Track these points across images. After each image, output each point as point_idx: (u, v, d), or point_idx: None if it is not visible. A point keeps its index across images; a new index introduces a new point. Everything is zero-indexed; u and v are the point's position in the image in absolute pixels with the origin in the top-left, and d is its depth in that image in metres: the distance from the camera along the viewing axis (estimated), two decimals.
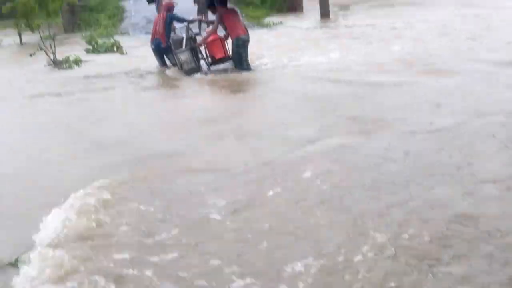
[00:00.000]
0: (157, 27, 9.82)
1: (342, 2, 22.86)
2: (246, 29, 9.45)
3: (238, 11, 9.85)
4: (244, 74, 8.95)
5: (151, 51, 10.17)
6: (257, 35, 13.75)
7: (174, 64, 9.81)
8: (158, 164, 4.80)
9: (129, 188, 4.23)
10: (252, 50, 9.68)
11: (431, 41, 10.46)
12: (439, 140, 4.78)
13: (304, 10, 21.44)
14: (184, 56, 9.32)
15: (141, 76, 9.54)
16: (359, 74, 8.07)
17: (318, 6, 18.07)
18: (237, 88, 8.26)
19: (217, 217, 3.61)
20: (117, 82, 8.97)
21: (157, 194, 4.06)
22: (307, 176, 4.17)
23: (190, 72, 9.28)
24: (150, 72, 9.93)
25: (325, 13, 17.59)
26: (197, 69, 9.41)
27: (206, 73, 9.37)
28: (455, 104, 5.92)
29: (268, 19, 17.82)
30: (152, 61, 10.88)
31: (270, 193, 3.95)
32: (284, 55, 10.46)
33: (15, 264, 3.19)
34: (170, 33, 9.85)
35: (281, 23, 16.97)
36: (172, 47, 9.67)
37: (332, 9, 17.87)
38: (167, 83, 9.05)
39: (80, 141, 5.63)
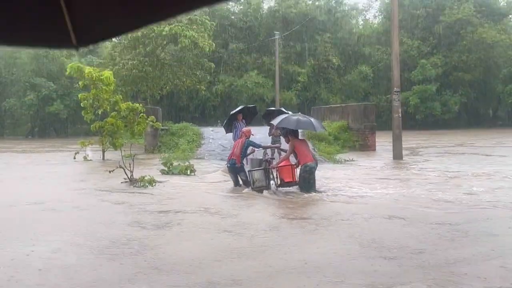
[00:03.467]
0: (235, 150, 10.93)
1: (411, 146, 23.07)
2: (315, 158, 10.53)
3: (308, 142, 10.85)
4: (307, 199, 9.55)
5: (227, 169, 11.36)
6: (327, 170, 13.98)
7: (245, 182, 10.70)
8: None
9: None
10: (321, 183, 10.30)
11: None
12: None
13: (376, 149, 21.71)
14: (257, 174, 10.40)
15: (207, 202, 9.65)
16: (442, 217, 7.80)
17: (390, 147, 18.28)
18: (301, 215, 8.20)
19: None
20: (184, 205, 9.11)
21: None
22: None
23: (260, 189, 10.26)
24: (218, 198, 10.16)
25: (398, 155, 17.67)
26: (267, 187, 10.37)
27: (274, 192, 10.27)
28: None
29: (340, 156, 18.05)
30: (221, 187, 11.27)
31: None
32: (350, 189, 10.83)
33: None
34: (245, 156, 10.95)
35: (352, 160, 17.11)
36: (249, 165, 10.91)
37: (403, 152, 18.11)
38: (237, 209, 9.05)
39: (139, 263, 5.59)
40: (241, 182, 10.89)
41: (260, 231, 7.04)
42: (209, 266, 5.42)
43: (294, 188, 10.33)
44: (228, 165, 11.07)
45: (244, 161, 11.03)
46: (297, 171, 10.27)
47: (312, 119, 10.76)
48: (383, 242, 6.28)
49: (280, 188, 10.45)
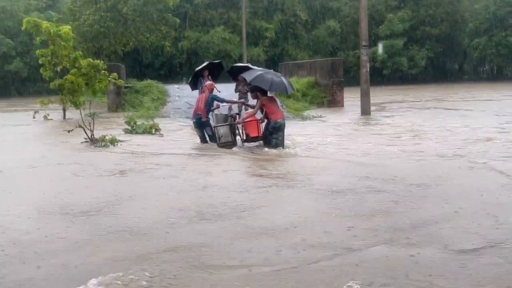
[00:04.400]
0: (199, 104, 10.67)
1: (379, 101, 23.06)
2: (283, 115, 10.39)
3: (276, 99, 10.49)
4: (276, 156, 9.44)
5: (193, 125, 11.23)
6: (295, 127, 13.77)
7: (211, 138, 10.60)
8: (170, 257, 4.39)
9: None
10: (289, 139, 10.32)
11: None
12: None
13: (344, 105, 21.61)
14: (223, 130, 10.35)
15: (173, 161, 9.33)
16: (400, 171, 7.67)
17: (358, 102, 18.17)
18: (273, 172, 7.93)
19: None
20: (148, 165, 8.76)
21: None
22: None
23: (226, 145, 10.24)
24: (184, 157, 9.85)
25: (365, 110, 17.58)
26: (233, 143, 10.35)
27: (239, 147, 10.30)
28: None
29: (308, 112, 17.87)
30: (187, 145, 10.97)
31: None
32: (318, 145, 10.81)
33: None
34: (210, 110, 10.71)
35: (320, 116, 16.95)
36: (214, 121, 10.71)
37: (371, 107, 18.08)
38: (206, 167, 8.69)
39: (98, 227, 5.28)
40: (207, 138, 10.71)
41: (233, 190, 6.75)
42: (181, 228, 5.10)
43: (259, 143, 10.27)
44: (194, 120, 10.87)
45: (210, 116, 10.78)
46: (262, 125, 10.16)
47: (284, 79, 10.51)
48: (354, 200, 6.11)
49: (246, 144, 10.40)
